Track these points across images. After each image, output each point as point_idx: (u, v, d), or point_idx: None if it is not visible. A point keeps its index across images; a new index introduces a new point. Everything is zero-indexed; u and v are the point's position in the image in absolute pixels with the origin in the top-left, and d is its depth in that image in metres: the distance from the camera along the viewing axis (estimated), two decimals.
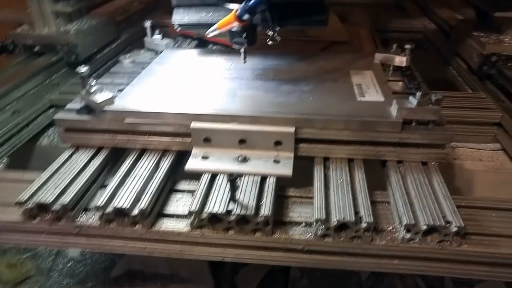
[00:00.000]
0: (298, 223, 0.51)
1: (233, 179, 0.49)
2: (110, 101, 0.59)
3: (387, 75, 0.71)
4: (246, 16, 0.53)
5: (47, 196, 0.51)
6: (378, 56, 0.73)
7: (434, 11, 1.25)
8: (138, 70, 0.74)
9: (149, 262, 1.05)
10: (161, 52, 0.79)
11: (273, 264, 0.50)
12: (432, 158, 0.57)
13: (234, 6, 0.54)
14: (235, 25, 0.55)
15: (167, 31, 1.28)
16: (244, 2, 0.52)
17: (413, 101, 0.55)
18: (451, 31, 1.06)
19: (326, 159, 0.58)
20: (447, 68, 1.03)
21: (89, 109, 0.60)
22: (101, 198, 0.51)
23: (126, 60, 0.77)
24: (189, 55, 0.77)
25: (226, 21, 0.55)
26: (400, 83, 0.69)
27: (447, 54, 1.04)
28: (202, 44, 1.00)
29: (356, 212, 0.48)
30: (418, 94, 0.54)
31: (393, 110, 0.56)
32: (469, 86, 0.89)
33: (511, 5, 0.83)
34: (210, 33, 0.60)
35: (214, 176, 0.55)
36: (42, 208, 0.51)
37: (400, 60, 0.71)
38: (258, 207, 0.49)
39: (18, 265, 1.05)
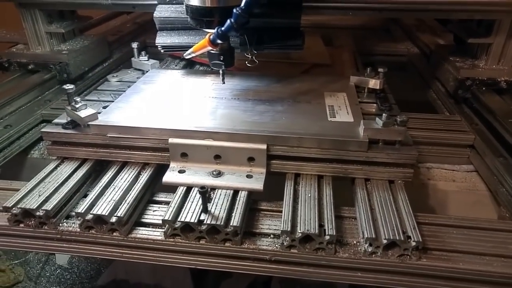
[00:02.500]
0: (267, 235, 0.54)
1: (204, 191, 0.51)
2: (94, 116, 0.62)
3: (362, 97, 0.75)
4: (218, 41, 0.57)
5: (31, 203, 0.54)
6: (353, 79, 0.77)
7: (417, 35, 1.30)
8: (124, 89, 0.78)
9: (134, 272, 1.06)
10: (147, 72, 0.83)
11: (242, 272, 0.53)
12: (398, 176, 0.59)
13: (211, 31, 0.58)
14: (210, 49, 0.58)
15: (158, 51, 1.34)
16: (216, 28, 0.56)
17: (379, 122, 0.58)
18: (430, 55, 1.10)
19: (297, 175, 0.61)
20: (428, 90, 1.07)
21: (74, 123, 0.63)
22: (81, 206, 0.53)
23: (113, 79, 0.81)
24: (173, 75, 0.81)
25: (200, 45, 0.59)
26: (374, 105, 0.73)
27: (427, 77, 1.09)
28: (190, 64, 1.04)
29: (321, 225, 0.51)
30: (384, 115, 0.58)
31: (360, 130, 0.59)
32: (446, 109, 0.93)
33: (484, 31, 0.88)
34: (187, 55, 0.63)
35: (189, 188, 0.58)
36: (27, 214, 0.54)
37: (375, 83, 0.74)
38: (229, 218, 0.52)
39: (8, 271, 1.07)
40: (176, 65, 1.05)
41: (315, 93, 0.72)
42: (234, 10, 0.53)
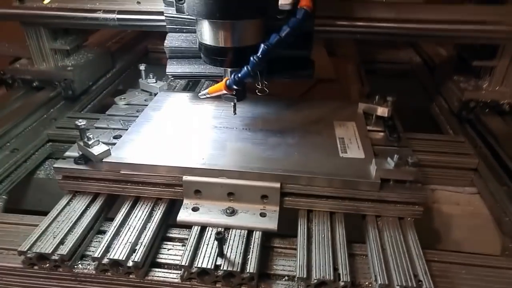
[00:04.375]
0: (281, 276, 0.55)
1: (221, 237, 0.52)
2: (107, 153, 0.62)
3: (370, 124, 0.75)
4: (234, 86, 0.57)
5: (46, 246, 0.54)
6: (362, 106, 0.77)
7: (420, 44, 1.30)
8: (133, 113, 0.78)
9: None
10: (155, 95, 0.82)
11: None
12: (408, 214, 0.61)
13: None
14: (225, 92, 0.58)
15: (160, 57, 1.33)
16: (233, 74, 0.56)
17: (391, 162, 0.59)
18: (435, 69, 1.11)
19: (309, 211, 0.62)
20: (431, 103, 1.08)
21: (86, 158, 0.63)
22: (97, 250, 0.54)
23: (121, 102, 0.80)
24: (181, 100, 0.81)
25: (216, 88, 0.59)
26: (382, 133, 0.74)
27: (431, 91, 1.09)
28: (195, 81, 1.04)
29: (335, 269, 0.52)
30: (396, 156, 0.59)
31: (372, 169, 0.60)
32: (450, 127, 0.94)
33: (488, 54, 0.88)
34: (202, 96, 0.63)
35: (203, 227, 0.58)
36: (42, 257, 0.54)
37: (383, 111, 0.75)
38: (244, 262, 0.53)
39: None
40: (181, 79, 1.04)
41: (325, 122, 0.73)
42: (251, 58, 0.53)
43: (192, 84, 1.06)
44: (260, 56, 0.52)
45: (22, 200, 0.84)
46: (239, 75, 0.55)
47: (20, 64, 0.97)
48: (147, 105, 0.79)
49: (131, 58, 1.23)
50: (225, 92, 0.58)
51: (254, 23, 0.59)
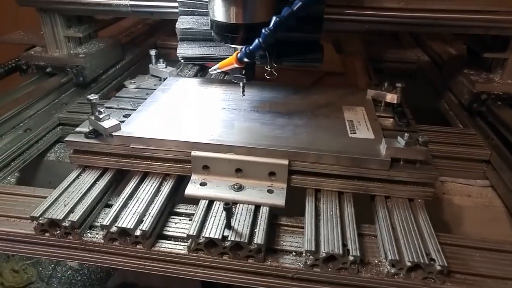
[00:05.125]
0: (288, 252, 0.54)
1: (229, 207, 0.52)
2: (117, 127, 0.63)
3: (379, 111, 0.75)
4: (245, 59, 0.57)
5: (57, 213, 0.55)
6: (371, 92, 0.77)
7: (427, 43, 1.30)
8: (142, 96, 0.78)
9: (143, 276, 1.07)
10: (164, 79, 0.83)
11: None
12: (418, 195, 0.60)
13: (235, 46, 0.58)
14: (236, 66, 0.59)
15: (169, 52, 1.34)
16: (244, 47, 0.56)
17: (401, 141, 0.59)
18: (443, 66, 1.11)
19: (317, 191, 0.62)
20: (439, 100, 1.07)
21: (97, 133, 0.64)
22: (106, 218, 0.54)
23: (131, 86, 0.81)
24: (190, 83, 0.81)
25: (227, 62, 0.60)
26: (391, 119, 0.73)
27: (439, 87, 1.09)
28: (203, 68, 1.05)
29: (344, 245, 0.52)
30: (406, 135, 0.58)
31: (382, 148, 0.59)
32: (459, 121, 0.93)
33: (499, 46, 0.88)
34: (212, 71, 0.64)
35: (211, 202, 0.58)
36: (53, 224, 0.55)
37: (392, 97, 0.75)
38: (251, 235, 0.53)
39: (21, 271, 1.08)
40: (189, 70, 1.05)
41: (333, 107, 0.73)
42: (263, 30, 0.53)
43: (200, 75, 1.07)
44: (272, 28, 0.53)
45: (32, 181, 0.85)
46: (250, 47, 0.55)
47: (34, 51, 0.99)
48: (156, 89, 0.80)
49: (140, 52, 1.25)
50: (235, 66, 0.59)
51: (265, 1, 0.60)
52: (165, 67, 0.83)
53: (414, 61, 1.28)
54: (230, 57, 0.59)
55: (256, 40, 0.54)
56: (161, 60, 0.84)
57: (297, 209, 0.60)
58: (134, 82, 0.82)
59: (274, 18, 0.53)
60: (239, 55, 0.57)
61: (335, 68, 1.02)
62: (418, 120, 0.77)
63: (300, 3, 0.53)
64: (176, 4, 0.83)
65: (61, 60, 0.95)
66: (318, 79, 0.98)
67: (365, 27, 0.83)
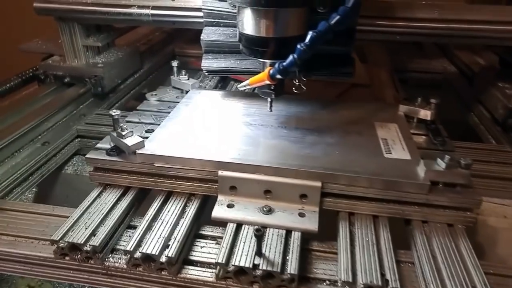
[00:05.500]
0: (322, 280, 0.51)
1: (260, 234, 0.49)
2: (141, 144, 0.60)
3: (411, 127, 0.72)
4: (278, 76, 0.54)
5: (78, 236, 0.52)
6: (403, 108, 0.73)
7: (454, 53, 1.26)
8: (164, 109, 0.76)
9: None
10: (187, 92, 0.80)
11: None
12: (459, 221, 0.56)
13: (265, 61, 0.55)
14: (268, 83, 0.56)
15: (186, 61, 1.32)
16: (278, 63, 0.53)
17: (441, 163, 0.55)
18: (473, 77, 1.06)
19: (351, 214, 0.58)
20: (467, 113, 1.03)
21: (119, 150, 0.61)
22: (130, 243, 0.51)
23: (152, 98, 0.79)
24: (213, 96, 0.78)
25: (259, 78, 0.56)
26: (425, 137, 0.70)
27: (468, 100, 1.05)
28: (224, 78, 1.02)
29: (382, 274, 0.48)
30: (447, 157, 0.55)
31: (421, 171, 0.56)
32: (492, 137, 0.89)
33: None
34: (242, 87, 0.61)
35: (239, 225, 0.55)
36: (74, 247, 0.53)
37: (425, 114, 0.71)
38: (284, 263, 0.50)
39: (37, 287, 1.06)
40: (210, 80, 1.03)
41: (365, 123, 0.69)
42: (298, 46, 0.50)
43: (221, 86, 1.04)
44: (308, 43, 0.50)
45: (49, 195, 0.83)
46: (284, 64, 0.52)
47: (52, 60, 0.97)
48: (178, 102, 0.77)
49: (158, 60, 1.23)
50: (267, 82, 0.55)
51: (298, 13, 0.57)
52: (187, 79, 0.81)
53: (440, 72, 1.23)
54: (262, 73, 0.56)
55: (291, 56, 0.51)
56: (183, 72, 0.81)
57: (328, 231, 0.57)
58: (155, 95, 0.79)
59: (310, 33, 0.50)
60: (271, 71, 0.54)
61: (361, 79, 0.99)
62: (446, 132, 0.73)
63: (338, 17, 0.50)
64: (198, 14, 0.81)
65: (79, 70, 0.93)
66: (343, 91, 0.94)
67: (396, 38, 0.79)
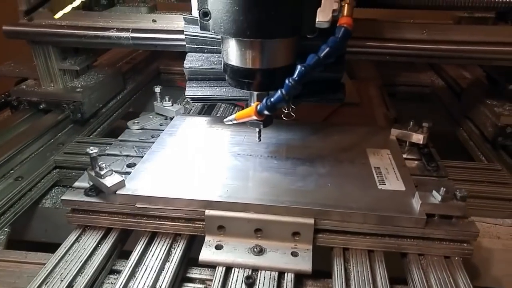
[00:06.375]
0: None
1: (250, 283, 0.46)
2: (121, 184, 0.56)
3: (403, 151, 0.70)
4: (266, 112, 0.51)
5: None
6: (395, 132, 0.72)
7: (441, 66, 1.26)
8: (147, 139, 0.72)
9: None
10: (171, 118, 0.77)
11: None
12: (456, 253, 0.54)
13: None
14: (255, 118, 0.53)
15: (172, 78, 1.29)
16: (265, 99, 0.51)
17: (436, 196, 0.53)
18: (461, 93, 1.06)
19: (345, 249, 0.56)
20: (457, 128, 1.02)
21: (98, 190, 0.57)
22: None
23: (134, 127, 0.75)
24: (199, 124, 0.75)
25: (245, 114, 0.54)
26: (417, 161, 0.68)
27: (457, 115, 1.04)
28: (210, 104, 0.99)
29: None
30: (443, 189, 0.53)
31: (416, 204, 0.54)
32: (482, 154, 0.88)
33: None
34: (228, 122, 0.58)
35: (228, 268, 0.52)
36: None
37: (418, 138, 0.69)
38: None
39: None
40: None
41: (356, 150, 0.67)
42: (286, 81, 0.47)
43: (207, 107, 1.01)
44: (296, 78, 0.47)
45: (25, 231, 0.78)
46: (272, 99, 0.49)
47: (26, 85, 0.92)
48: (162, 130, 0.74)
49: (142, 79, 1.19)
50: (254, 118, 0.53)
51: (286, 43, 0.54)
52: (171, 105, 0.77)
53: (427, 85, 1.23)
54: (249, 108, 0.53)
55: (279, 92, 0.49)
56: (166, 98, 0.77)
57: (321, 263, 0.55)
58: (138, 123, 0.76)
59: (298, 68, 0.47)
60: (259, 107, 0.51)
61: (350, 97, 0.97)
62: (435, 147, 0.72)
63: (328, 49, 0.47)
64: (181, 36, 0.77)
65: (56, 95, 0.89)
66: (332, 111, 0.92)
67: (385, 59, 0.78)
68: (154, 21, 0.81)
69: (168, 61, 1.31)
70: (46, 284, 0.49)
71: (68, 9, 0.45)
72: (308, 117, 0.84)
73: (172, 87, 1.01)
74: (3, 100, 0.90)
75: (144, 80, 1.20)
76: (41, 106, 0.88)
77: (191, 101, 0.69)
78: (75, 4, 0.43)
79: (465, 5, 0.80)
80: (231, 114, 0.59)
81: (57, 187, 0.81)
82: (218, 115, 0.92)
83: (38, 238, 0.79)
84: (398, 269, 0.56)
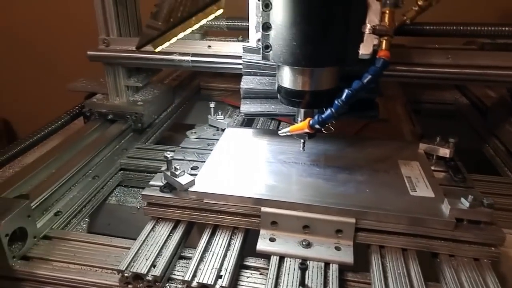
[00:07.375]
0: None
1: (305, 267, 0.55)
2: (192, 182, 0.67)
3: (431, 163, 0.78)
4: (317, 126, 0.62)
5: (141, 267, 0.59)
6: (423, 146, 0.80)
7: (466, 86, 1.33)
8: (204, 146, 0.84)
9: None
10: (222, 130, 0.88)
11: None
12: (484, 256, 0.61)
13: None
14: (307, 131, 0.64)
15: (210, 94, 1.41)
16: (317, 115, 0.61)
17: (465, 202, 0.61)
18: (486, 111, 1.12)
19: (381, 247, 0.64)
20: (483, 145, 1.08)
21: (171, 187, 0.69)
22: (187, 273, 0.58)
23: (192, 136, 0.87)
24: (248, 135, 0.86)
25: (298, 127, 0.65)
26: (444, 173, 0.76)
27: (483, 132, 1.10)
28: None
29: None
30: (470, 196, 0.61)
31: (445, 209, 0.62)
32: (508, 169, 0.94)
33: None
34: (282, 134, 0.69)
35: (281, 257, 0.62)
36: (137, 277, 0.59)
37: (444, 152, 0.77)
38: None
39: None
40: (237, 115, 1.11)
41: (389, 161, 0.76)
42: (336, 102, 0.58)
43: (247, 120, 1.12)
44: (344, 100, 0.57)
45: (91, 224, 0.90)
46: (323, 116, 0.60)
47: (96, 99, 1.06)
48: (215, 139, 0.85)
49: (186, 94, 1.32)
50: (306, 131, 0.63)
51: (331, 70, 0.65)
52: (223, 119, 0.89)
53: (452, 102, 1.30)
54: (302, 123, 0.64)
55: (329, 110, 0.59)
56: (219, 112, 0.89)
57: (359, 261, 0.63)
58: (195, 133, 0.87)
59: (346, 91, 0.58)
60: (311, 122, 0.61)
61: (381, 114, 1.05)
62: (461, 162, 0.79)
63: (370, 76, 0.57)
64: (230, 60, 0.90)
65: (121, 108, 1.02)
66: (363, 126, 1.02)
67: (413, 81, 0.87)
68: (209, 47, 0.93)
69: (208, 78, 1.43)
70: (134, 261, 0.60)
71: (165, 45, 0.56)
72: (341, 131, 0.94)
73: (210, 101, 1.13)
74: (77, 111, 1.05)
75: (188, 95, 1.32)
76: (109, 117, 1.02)
77: (244, 116, 0.80)
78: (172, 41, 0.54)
79: (488, 34, 0.89)
80: (269, 127, 0.69)
81: (119, 186, 0.93)
82: (258, 127, 1.03)
83: (101, 230, 0.91)
84: (430, 270, 0.63)
